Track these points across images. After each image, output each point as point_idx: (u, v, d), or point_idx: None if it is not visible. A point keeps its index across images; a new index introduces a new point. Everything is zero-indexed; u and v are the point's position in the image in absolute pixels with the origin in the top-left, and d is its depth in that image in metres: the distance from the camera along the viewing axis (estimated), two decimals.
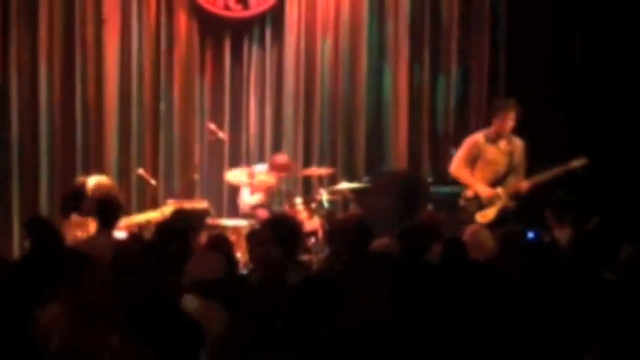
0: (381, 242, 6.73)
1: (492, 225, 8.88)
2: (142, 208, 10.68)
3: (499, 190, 9.45)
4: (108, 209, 7.79)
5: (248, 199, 10.56)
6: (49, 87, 11.16)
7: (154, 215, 9.75)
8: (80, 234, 8.47)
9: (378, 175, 10.84)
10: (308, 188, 11.13)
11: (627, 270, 5.80)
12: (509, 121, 9.39)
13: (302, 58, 11.31)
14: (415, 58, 11.39)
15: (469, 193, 9.53)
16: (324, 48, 11.35)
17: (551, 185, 9.37)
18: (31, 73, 11.16)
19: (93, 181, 9.40)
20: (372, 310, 4.28)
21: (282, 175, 10.60)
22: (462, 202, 9.54)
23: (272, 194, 10.82)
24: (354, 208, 10.32)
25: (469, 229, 7.51)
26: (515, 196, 9.44)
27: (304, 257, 8.81)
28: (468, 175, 9.55)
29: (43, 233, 6.93)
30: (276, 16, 11.34)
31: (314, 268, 8.46)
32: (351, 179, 10.79)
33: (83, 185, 9.42)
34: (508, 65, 11.29)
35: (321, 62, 11.36)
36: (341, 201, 10.77)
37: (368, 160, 11.34)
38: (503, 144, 9.50)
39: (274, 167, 10.56)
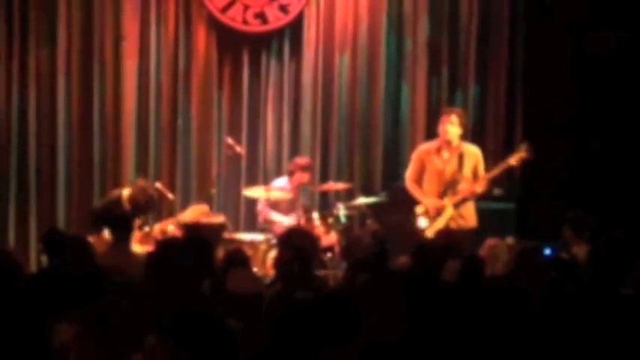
0: (403, 260, 6.71)
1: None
2: (159, 221, 10.68)
3: (445, 200, 9.53)
4: (121, 223, 7.78)
5: (270, 214, 10.50)
6: (68, 102, 11.22)
7: (181, 217, 9.86)
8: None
9: (395, 191, 10.81)
10: (325, 203, 11.12)
11: None
12: (445, 125, 9.54)
13: (320, 73, 11.32)
14: (433, 74, 11.37)
15: (419, 210, 9.69)
16: (342, 63, 11.35)
17: (570, 203, 9.39)
18: (49, 89, 11.22)
19: (126, 190, 9.57)
20: (386, 329, 4.26)
21: (305, 176, 10.51)
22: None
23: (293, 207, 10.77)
24: (371, 224, 10.29)
25: (487, 243, 7.49)
26: (466, 200, 9.59)
27: (321, 272, 8.79)
28: (418, 189, 9.75)
29: (62, 247, 6.91)
30: (294, 31, 11.36)
31: (330, 283, 8.44)
32: (368, 194, 10.77)
33: (119, 198, 9.55)
34: (526, 83, 11.26)
35: (338, 77, 11.36)
36: (358, 216, 10.76)
37: (385, 176, 11.33)
38: (447, 154, 9.55)
39: (297, 168, 10.51)
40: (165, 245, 6.08)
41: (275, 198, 10.39)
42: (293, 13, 11.27)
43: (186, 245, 6.28)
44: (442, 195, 9.64)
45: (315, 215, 10.31)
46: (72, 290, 4.73)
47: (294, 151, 11.32)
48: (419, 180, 9.80)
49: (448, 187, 9.65)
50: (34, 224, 11.20)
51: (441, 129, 9.65)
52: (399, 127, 11.46)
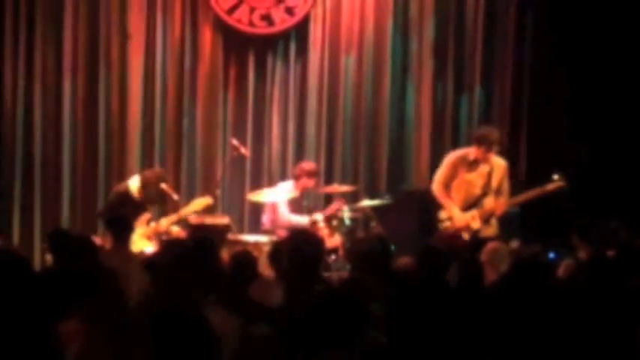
0: (404, 261, 6.71)
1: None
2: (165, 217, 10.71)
3: (473, 213, 9.55)
4: (120, 224, 7.79)
5: (289, 216, 10.47)
6: (73, 102, 11.24)
7: (186, 211, 9.91)
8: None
9: (400, 193, 10.81)
10: (329, 205, 11.11)
11: None
12: (493, 152, 9.57)
13: (325, 75, 11.32)
14: (439, 76, 11.37)
15: (443, 215, 9.72)
16: (348, 65, 11.35)
17: (577, 207, 9.40)
18: (55, 88, 11.23)
19: (134, 181, 9.63)
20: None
21: (311, 182, 10.48)
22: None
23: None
24: (375, 226, 10.29)
25: (487, 247, 7.48)
26: (489, 218, 9.60)
27: (325, 274, 8.78)
28: (446, 195, 9.72)
29: (67, 246, 6.92)
30: (300, 32, 11.36)
31: (335, 285, 8.42)
32: (372, 197, 10.75)
33: (126, 191, 9.60)
34: (532, 87, 11.26)
35: (344, 79, 11.36)
36: (362, 219, 10.74)
37: (390, 178, 11.32)
38: (481, 166, 9.56)
39: (302, 174, 10.47)
40: (170, 246, 6.08)
41: (282, 200, 10.38)
42: (299, 15, 11.27)
43: (191, 246, 6.29)
44: (468, 207, 9.62)
45: (320, 217, 10.29)
46: (77, 289, 4.73)
47: (299, 152, 11.32)
48: (448, 185, 9.75)
49: (476, 200, 9.64)
50: (38, 223, 11.22)
51: (488, 155, 9.61)
52: (404, 129, 11.46)
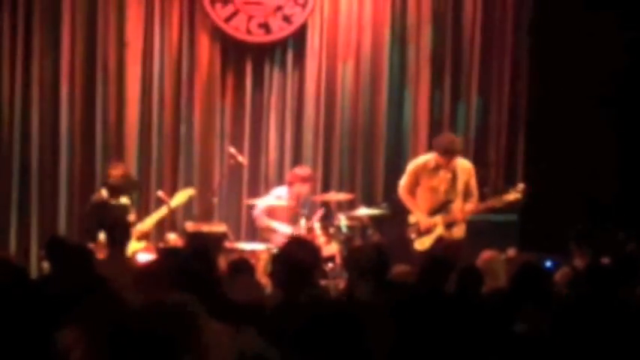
0: (400, 269, 6.71)
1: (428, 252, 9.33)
2: (160, 230, 10.71)
3: (437, 218, 9.58)
4: (118, 230, 7.78)
5: (267, 221, 10.51)
6: (70, 108, 11.21)
7: (162, 213, 9.94)
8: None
9: (397, 202, 10.81)
10: (326, 213, 11.11)
11: None
12: (454, 162, 9.66)
13: (323, 83, 11.33)
14: (436, 85, 11.40)
15: (412, 219, 9.79)
16: (345, 73, 11.36)
17: (576, 217, 9.44)
18: (52, 95, 11.21)
19: (104, 191, 9.65)
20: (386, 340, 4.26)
21: (304, 187, 10.47)
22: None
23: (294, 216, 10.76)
24: (372, 234, 10.30)
25: (483, 256, 7.49)
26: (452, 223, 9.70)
27: (322, 282, 8.78)
28: (411, 200, 9.84)
29: (64, 254, 6.91)
30: (297, 40, 11.37)
31: (331, 293, 8.43)
32: (369, 205, 10.77)
33: (101, 200, 9.59)
34: (529, 96, 11.28)
35: (341, 87, 11.38)
36: (359, 227, 10.75)
37: (387, 187, 11.31)
38: (442, 172, 9.62)
39: (296, 179, 10.47)
40: (168, 255, 6.07)
41: (272, 205, 10.41)
42: (296, 23, 11.29)
43: (189, 254, 6.28)
44: (434, 212, 9.70)
45: (317, 225, 10.29)
46: (74, 297, 4.72)
47: (296, 161, 11.32)
48: (413, 192, 9.88)
49: (441, 205, 9.71)
50: (35, 232, 11.17)
51: (445, 163, 9.66)
52: (401, 138, 11.48)
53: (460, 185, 9.70)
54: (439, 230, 9.67)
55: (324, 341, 3.79)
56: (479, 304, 5.31)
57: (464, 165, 9.82)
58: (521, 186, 9.72)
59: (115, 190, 9.78)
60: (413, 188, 9.88)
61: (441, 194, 9.73)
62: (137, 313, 3.91)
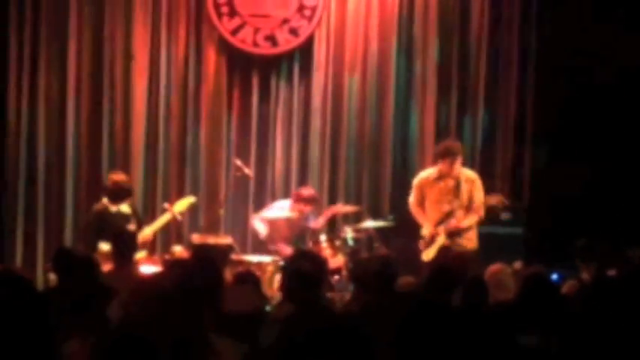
0: (405, 281, 6.70)
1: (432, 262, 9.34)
2: (167, 242, 10.72)
3: (439, 229, 9.63)
4: (124, 242, 7.74)
5: (268, 213, 10.55)
6: (77, 122, 11.24)
7: (162, 221, 9.93)
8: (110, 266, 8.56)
9: (403, 214, 10.80)
10: (332, 226, 11.12)
11: None
12: (455, 166, 9.64)
13: (329, 96, 11.34)
14: (442, 98, 11.39)
15: (423, 232, 9.85)
16: (352, 86, 11.37)
17: (580, 228, 9.44)
18: (59, 109, 11.23)
19: (105, 200, 9.67)
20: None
21: (307, 208, 10.51)
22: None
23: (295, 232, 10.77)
24: (378, 247, 10.29)
25: (490, 269, 7.47)
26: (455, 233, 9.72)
27: (328, 295, 8.78)
28: (421, 214, 9.89)
29: (71, 266, 6.90)
30: (304, 53, 11.39)
31: (337, 306, 8.42)
32: (376, 218, 10.77)
33: (102, 209, 9.58)
34: (535, 110, 11.27)
35: (348, 100, 11.38)
36: (365, 239, 10.74)
37: (393, 199, 11.31)
38: (446, 181, 9.67)
39: (299, 199, 10.50)
40: (173, 267, 6.07)
41: (275, 218, 10.45)
42: (303, 35, 11.31)
43: (195, 267, 6.28)
44: (439, 222, 9.71)
45: (323, 238, 10.30)
46: (81, 308, 4.73)
47: (303, 173, 11.33)
48: (422, 205, 9.90)
49: (446, 215, 9.70)
50: (41, 243, 11.19)
51: (447, 169, 9.68)
52: (407, 151, 11.47)
53: (464, 195, 9.70)
54: (441, 240, 9.66)
55: (328, 353, 3.79)
56: (484, 316, 5.29)
57: (468, 175, 9.83)
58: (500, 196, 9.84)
59: (115, 196, 9.74)
60: (422, 202, 9.90)
61: (445, 205, 9.74)
62: (142, 325, 3.91)
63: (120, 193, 9.74)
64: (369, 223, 10.53)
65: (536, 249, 10.18)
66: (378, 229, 10.50)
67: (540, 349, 4.93)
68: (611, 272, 7.70)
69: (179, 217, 10.09)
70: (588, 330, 4.88)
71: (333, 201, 11.20)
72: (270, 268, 9.86)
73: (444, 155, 9.70)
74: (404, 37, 11.37)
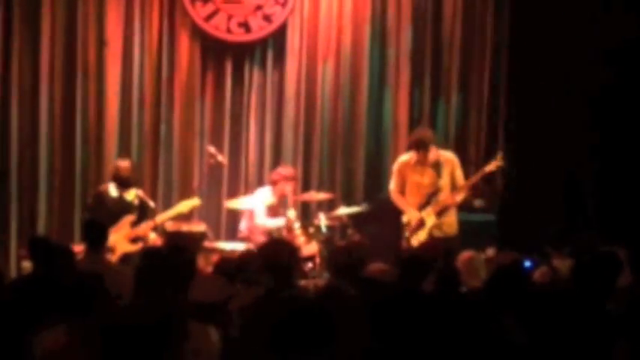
0: (376, 267, 6.71)
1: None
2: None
3: (424, 213, 9.72)
4: (95, 230, 7.68)
5: (264, 220, 10.47)
6: (50, 108, 11.19)
7: (180, 209, 10.08)
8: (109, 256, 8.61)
9: (377, 202, 10.82)
10: (306, 213, 11.12)
11: (630, 302, 5.73)
12: (430, 153, 9.77)
13: (303, 82, 11.32)
14: (416, 84, 11.40)
15: (404, 219, 9.88)
16: (325, 73, 11.35)
17: (552, 215, 9.48)
18: (32, 94, 11.17)
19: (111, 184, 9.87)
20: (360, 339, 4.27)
21: (289, 186, 10.42)
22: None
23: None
24: (352, 234, 10.29)
25: (462, 256, 7.48)
26: (448, 208, 9.84)
27: (301, 282, 8.78)
28: (402, 200, 9.95)
29: (47, 254, 6.85)
30: (277, 40, 11.36)
31: (311, 293, 8.42)
32: (349, 204, 10.77)
33: (103, 192, 9.66)
34: (508, 95, 11.30)
35: (321, 86, 11.37)
36: (339, 226, 10.75)
37: (367, 186, 11.34)
38: (425, 165, 9.78)
39: (280, 178, 10.43)
40: (148, 255, 6.06)
41: (260, 207, 10.39)
42: (277, 22, 11.28)
43: (168, 254, 6.27)
44: (423, 206, 9.76)
45: (297, 225, 10.28)
46: (58, 298, 4.69)
47: (276, 160, 11.31)
48: (403, 191, 9.93)
49: (429, 198, 9.76)
50: (14, 230, 11.13)
51: (422, 158, 9.73)
52: (381, 137, 11.48)
53: (446, 177, 9.77)
54: (431, 221, 9.70)
55: (299, 336, 3.81)
56: (456, 303, 5.31)
57: (447, 156, 9.90)
58: (500, 154, 9.86)
59: (118, 182, 9.91)
60: (402, 188, 9.95)
61: (426, 188, 9.82)
62: (129, 311, 3.91)
63: (119, 181, 9.89)
64: (343, 210, 10.52)
65: (510, 236, 10.20)
66: (352, 216, 10.50)
67: (512, 336, 4.95)
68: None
69: (152, 204, 10.13)
70: (560, 317, 4.90)
71: (306, 187, 11.20)
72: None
73: (417, 147, 9.78)
74: (377, 23, 11.36)
